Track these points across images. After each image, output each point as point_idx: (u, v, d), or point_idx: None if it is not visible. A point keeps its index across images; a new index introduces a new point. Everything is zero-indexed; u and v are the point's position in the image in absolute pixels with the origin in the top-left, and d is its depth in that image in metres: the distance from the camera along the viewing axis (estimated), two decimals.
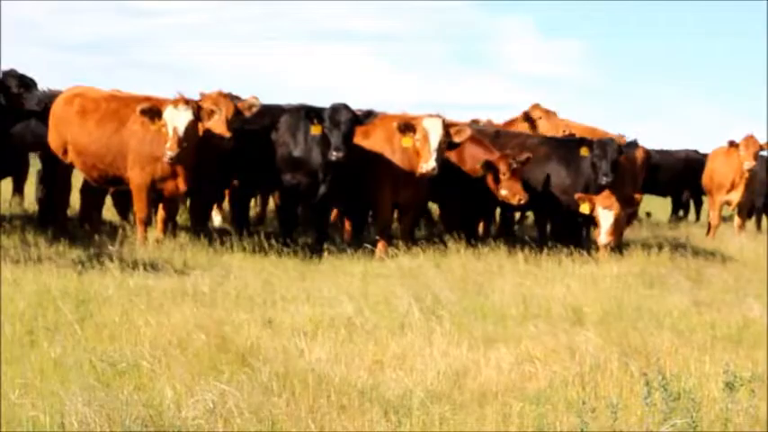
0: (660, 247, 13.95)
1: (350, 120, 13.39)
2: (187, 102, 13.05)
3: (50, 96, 14.62)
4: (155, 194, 13.44)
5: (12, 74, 14.27)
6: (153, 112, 12.96)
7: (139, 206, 13.52)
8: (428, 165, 13.59)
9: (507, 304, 9.95)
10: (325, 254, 12.99)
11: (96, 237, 13.22)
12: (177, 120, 12.79)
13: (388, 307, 9.55)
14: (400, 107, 19.01)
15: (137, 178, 13.40)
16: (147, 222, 13.48)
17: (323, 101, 14.62)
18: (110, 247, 11.94)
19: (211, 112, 13.13)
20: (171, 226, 13.55)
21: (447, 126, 13.86)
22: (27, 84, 14.40)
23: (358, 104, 14.60)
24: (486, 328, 8.96)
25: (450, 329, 8.73)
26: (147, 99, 13.46)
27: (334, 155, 13.17)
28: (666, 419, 6.18)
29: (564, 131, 17.75)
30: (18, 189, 18.14)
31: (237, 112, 13.54)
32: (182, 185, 13.22)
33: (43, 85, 14.85)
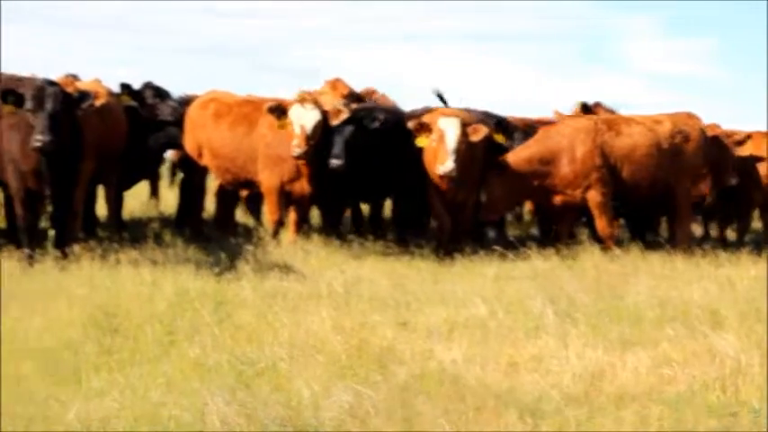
0: None
1: (352, 127, 13.20)
2: (314, 101, 13.24)
3: (185, 103, 14.99)
4: (285, 197, 13.59)
5: (149, 85, 14.75)
6: (279, 110, 13.16)
7: (271, 208, 13.74)
8: (445, 167, 13.12)
9: (643, 307, 9.77)
10: (458, 255, 12.95)
11: (231, 239, 13.42)
12: (304, 118, 12.94)
13: (521, 309, 9.47)
14: (520, 107, 18.68)
15: (266, 181, 13.60)
16: (280, 224, 13.63)
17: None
18: (245, 249, 12.12)
19: (338, 112, 13.23)
20: (304, 228, 13.66)
21: (464, 125, 13.36)
22: (162, 95, 14.82)
23: (475, 104, 14.64)
24: (622, 331, 8.81)
25: (585, 332, 8.63)
26: (278, 102, 13.61)
27: (333, 163, 13.02)
28: None
29: None
30: (154, 192, 18.56)
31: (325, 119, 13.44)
32: (307, 187, 13.35)
33: (175, 89, 15.27)
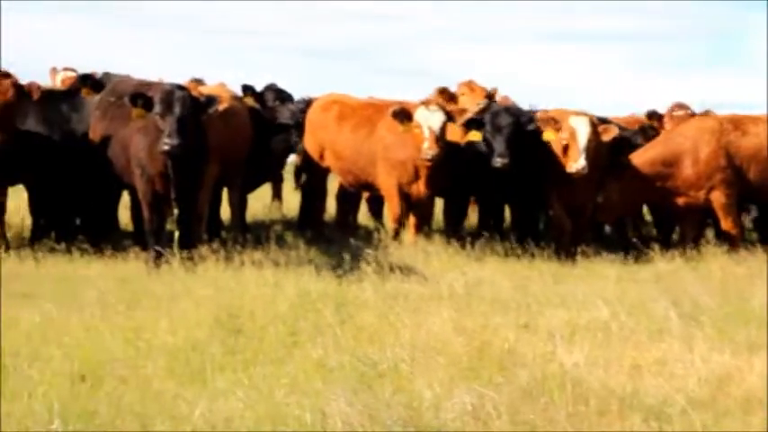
0: None
1: (512, 124, 13.19)
2: (438, 102, 13.31)
3: (307, 105, 15.15)
4: (405, 198, 13.64)
5: (271, 87, 14.95)
6: (404, 114, 13.21)
7: (391, 210, 13.81)
8: (577, 164, 12.98)
9: None
10: (579, 257, 12.85)
11: (352, 241, 13.52)
12: (432, 120, 13.00)
13: (644, 311, 9.34)
14: (637, 108, 18.12)
15: (385, 183, 13.70)
16: (400, 226, 13.68)
17: (560, 102, 14.50)
18: (366, 250, 12.19)
19: (462, 112, 13.25)
20: (425, 229, 13.69)
21: (595, 124, 13.24)
22: (283, 98, 15.01)
23: (594, 107, 14.46)
24: (750, 334, 8.62)
25: (710, 335, 8.48)
26: (400, 105, 13.68)
27: (498, 161, 12.99)
28: None
29: None
30: (277, 194, 18.76)
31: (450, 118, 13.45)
32: (423, 189, 13.39)
33: (296, 92, 15.48)
